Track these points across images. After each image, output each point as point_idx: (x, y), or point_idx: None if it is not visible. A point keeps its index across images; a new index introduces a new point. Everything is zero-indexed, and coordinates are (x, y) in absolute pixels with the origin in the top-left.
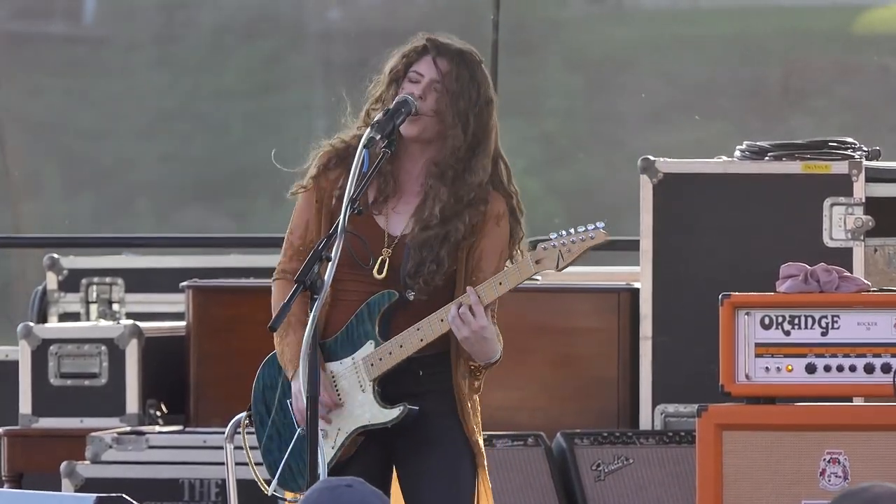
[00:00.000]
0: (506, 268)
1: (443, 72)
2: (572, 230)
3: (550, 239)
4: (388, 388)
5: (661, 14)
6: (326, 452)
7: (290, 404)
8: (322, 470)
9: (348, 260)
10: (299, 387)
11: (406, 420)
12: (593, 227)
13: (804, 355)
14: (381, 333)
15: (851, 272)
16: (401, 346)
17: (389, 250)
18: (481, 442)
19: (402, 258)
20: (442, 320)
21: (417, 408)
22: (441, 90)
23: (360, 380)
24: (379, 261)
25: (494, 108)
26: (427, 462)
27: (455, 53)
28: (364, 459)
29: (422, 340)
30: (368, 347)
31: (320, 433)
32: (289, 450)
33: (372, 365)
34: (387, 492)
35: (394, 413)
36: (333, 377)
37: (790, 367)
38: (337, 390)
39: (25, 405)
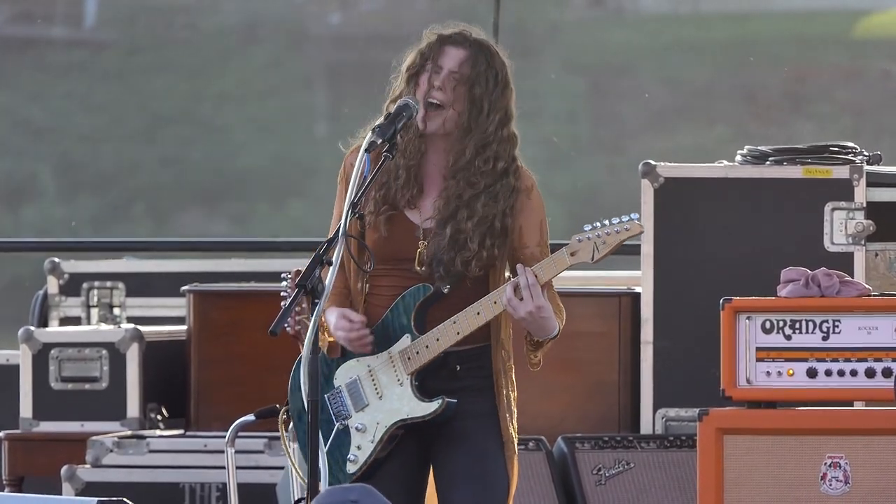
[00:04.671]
0: (541, 261)
1: (459, 60)
2: (607, 221)
3: (585, 231)
4: (425, 382)
5: (661, 18)
6: (364, 446)
7: (328, 398)
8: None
9: (383, 255)
10: (334, 318)
11: (445, 413)
12: (628, 218)
13: (805, 360)
14: (416, 327)
15: (852, 277)
16: (437, 340)
17: (425, 242)
18: (514, 433)
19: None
20: (478, 313)
21: (455, 401)
22: (459, 79)
23: (396, 373)
24: (417, 255)
25: (512, 94)
26: (460, 461)
27: (470, 42)
28: (401, 457)
29: (458, 334)
30: (405, 341)
31: (357, 427)
32: (328, 444)
33: (409, 359)
34: (423, 489)
35: (433, 406)
36: (370, 370)
37: (791, 372)
38: (374, 384)
39: (26, 409)
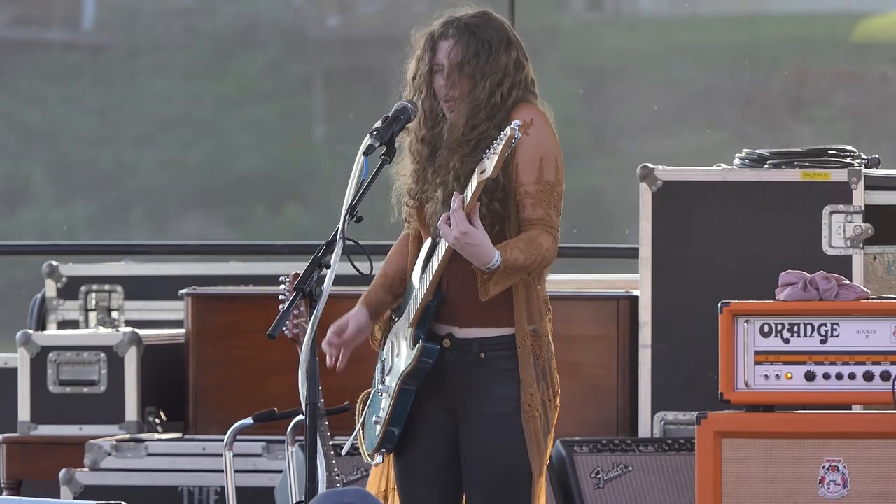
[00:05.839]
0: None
1: (449, 51)
2: (498, 136)
3: (490, 147)
4: (452, 370)
5: (659, 21)
6: (385, 405)
7: (377, 368)
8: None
9: (428, 230)
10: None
11: (423, 359)
12: (509, 127)
13: (803, 363)
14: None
15: (851, 280)
16: (416, 289)
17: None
18: (543, 424)
19: None
20: (440, 255)
21: (437, 347)
22: (453, 67)
23: (405, 331)
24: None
25: (511, 49)
26: (476, 471)
27: (455, 27)
28: (435, 438)
29: (429, 280)
30: (414, 301)
31: (384, 390)
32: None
33: (410, 314)
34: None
35: (413, 354)
36: (396, 333)
37: (789, 375)
38: (394, 346)
39: (24, 412)
